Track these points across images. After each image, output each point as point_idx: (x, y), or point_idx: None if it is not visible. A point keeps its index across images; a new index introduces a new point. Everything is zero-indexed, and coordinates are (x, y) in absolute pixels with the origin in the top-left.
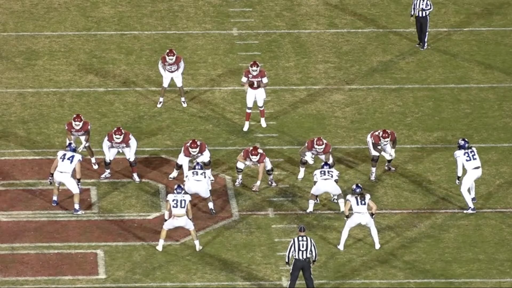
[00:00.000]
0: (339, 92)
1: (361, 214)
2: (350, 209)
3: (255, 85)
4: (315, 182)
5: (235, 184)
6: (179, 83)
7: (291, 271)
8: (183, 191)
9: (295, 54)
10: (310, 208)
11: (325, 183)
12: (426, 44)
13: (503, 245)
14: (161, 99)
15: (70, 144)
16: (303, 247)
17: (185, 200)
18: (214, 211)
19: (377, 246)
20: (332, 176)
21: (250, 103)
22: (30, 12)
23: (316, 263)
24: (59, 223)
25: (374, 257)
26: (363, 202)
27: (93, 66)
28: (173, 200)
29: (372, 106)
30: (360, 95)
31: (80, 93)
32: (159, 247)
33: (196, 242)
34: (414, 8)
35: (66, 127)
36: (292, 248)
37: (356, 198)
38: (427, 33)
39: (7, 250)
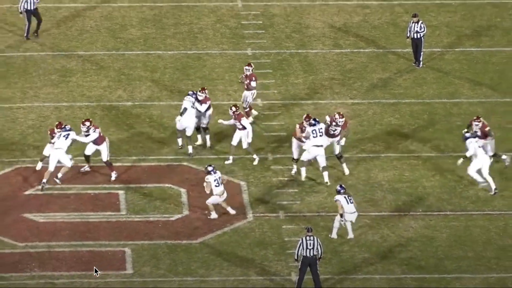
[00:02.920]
0: (343, 106)
1: (351, 214)
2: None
3: (245, 86)
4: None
5: (292, 173)
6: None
7: (299, 267)
8: (217, 171)
9: (303, 71)
10: (304, 175)
11: (317, 150)
12: (421, 63)
13: (490, 244)
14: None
15: (65, 126)
16: (310, 245)
17: (220, 177)
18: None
19: (351, 235)
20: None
21: (244, 103)
22: (65, 34)
23: (322, 260)
24: (91, 223)
25: (374, 254)
26: (351, 200)
27: (122, 83)
28: (214, 180)
29: (373, 118)
30: (362, 109)
31: (110, 106)
32: (214, 215)
33: (229, 209)
34: (409, 31)
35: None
36: (301, 246)
37: (345, 197)
38: (422, 53)
39: (45, 248)
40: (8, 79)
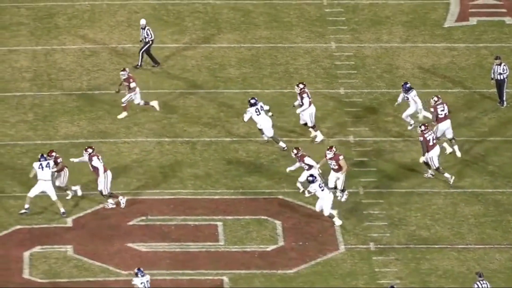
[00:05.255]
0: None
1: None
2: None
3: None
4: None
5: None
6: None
7: None
8: (145, 274)
9: (393, 110)
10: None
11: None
12: (505, 102)
13: None
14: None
15: (42, 155)
16: None
17: (148, 281)
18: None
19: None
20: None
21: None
22: (167, 72)
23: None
24: (191, 253)
25: (461, 285)
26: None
27: (221, 119)
28: (141, 283)
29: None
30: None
31: (209, 142)
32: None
33: None
34: (493, 73)
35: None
36: None
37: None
38: (505, 93)
39: None
40: (114, 115)
